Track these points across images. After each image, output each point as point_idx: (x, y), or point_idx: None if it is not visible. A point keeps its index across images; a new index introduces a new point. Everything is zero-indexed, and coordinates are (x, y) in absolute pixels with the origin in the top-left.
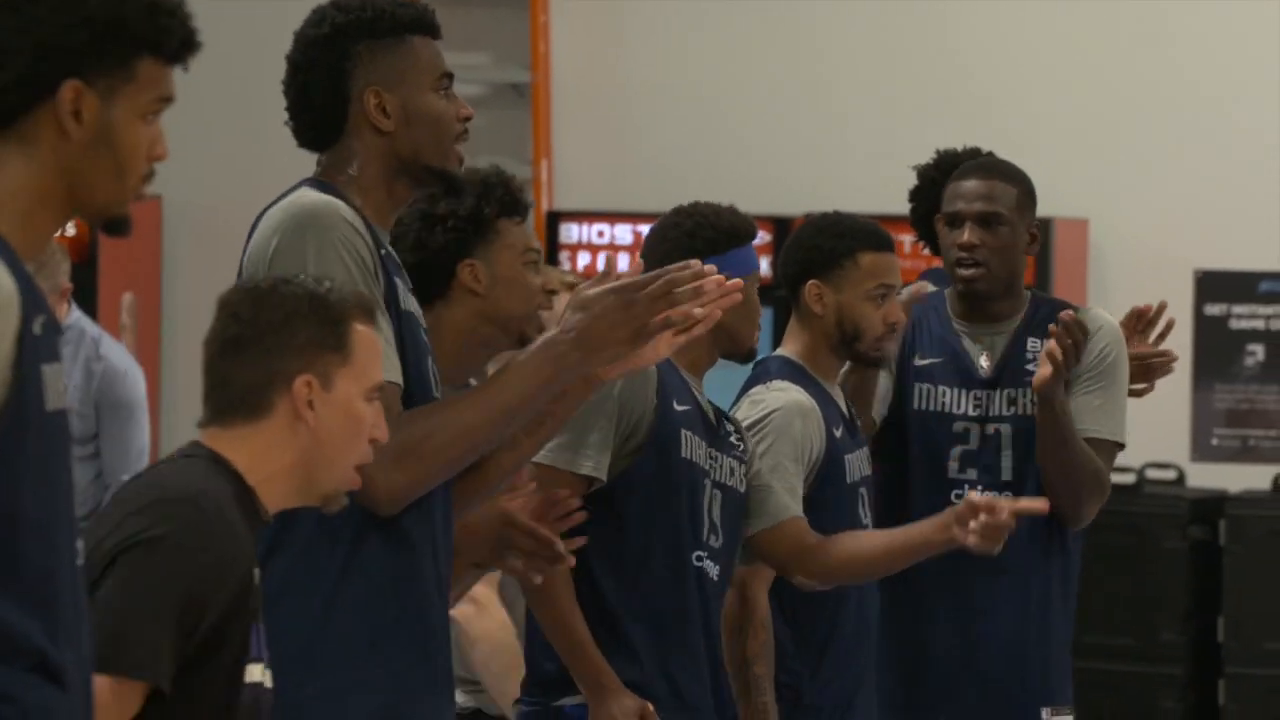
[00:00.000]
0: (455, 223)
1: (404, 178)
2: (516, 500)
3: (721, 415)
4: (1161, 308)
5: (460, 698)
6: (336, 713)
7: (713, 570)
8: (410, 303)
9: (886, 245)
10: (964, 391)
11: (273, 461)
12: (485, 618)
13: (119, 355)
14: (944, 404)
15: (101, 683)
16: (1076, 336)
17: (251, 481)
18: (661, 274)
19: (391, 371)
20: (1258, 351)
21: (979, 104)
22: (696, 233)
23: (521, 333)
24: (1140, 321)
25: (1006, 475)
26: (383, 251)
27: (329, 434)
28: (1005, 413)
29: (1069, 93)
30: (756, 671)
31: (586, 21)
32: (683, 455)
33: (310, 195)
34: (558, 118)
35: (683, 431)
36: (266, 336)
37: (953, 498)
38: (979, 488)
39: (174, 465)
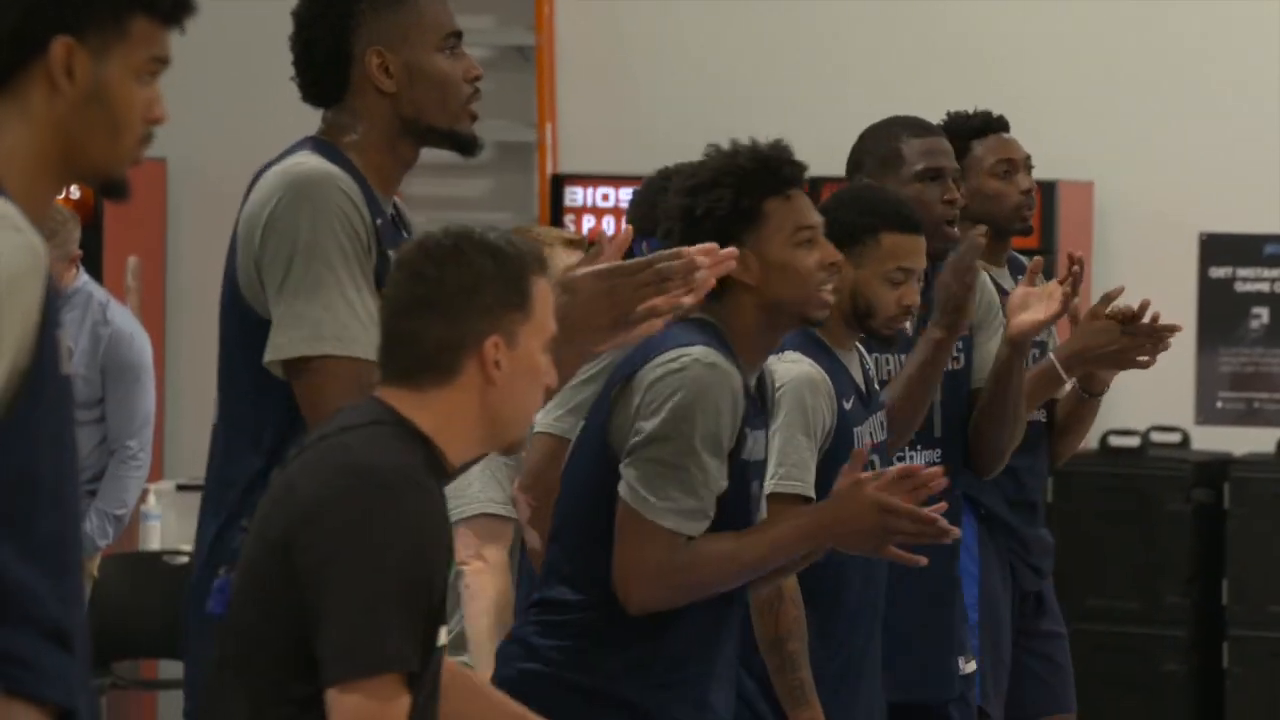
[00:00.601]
0: (715, 223)
1: (408, 138)
2: (875, 483)
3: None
4: (1144, 307)
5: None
6: None
7: None
8: None
9: (912, 228)
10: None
11: (461, 422)
12: (490, 577)
13: (126, 320)
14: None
15: (362, 693)
16: (1079, 279)
17: (439, 442)
18: (651, 261)
19: (371, 348)
20: (1263, 314)
21: (983, 66)
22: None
23: (803, 315)
24: (1131, 324)
25: (937, 432)
26: (379, 221)
27: (514, 389)
28: None
29: (1074, 56)
30: (790, 649)
31: None
32: None
33: (309, 162)
34: (562, 81)
35: None
36: (456, 298)
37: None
38: (918, 447)
39: (364, 435)
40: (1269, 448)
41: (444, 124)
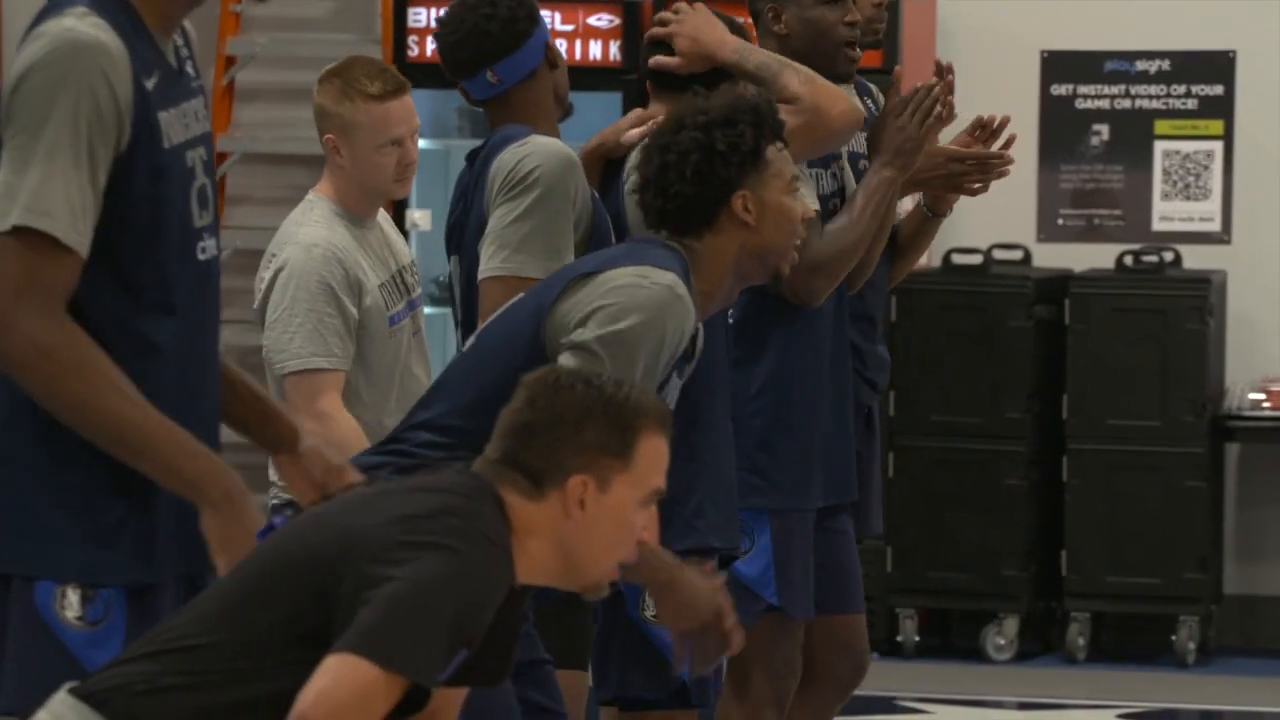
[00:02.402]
0: (737, 157)
1: None
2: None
3: None
4: (1004, 122)
5: None
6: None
7: None
8: (183, 130)
9: None
10: None
11: (534, 540)
12: (334, 427)
13: None
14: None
15: (373, 672)
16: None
17: (514, 547)
18: None
19: (74, 232)
20: (1103, 131)
21: None
22: (515, 17)
23: (778, 265)
24: (984, 132)
25: None
26: (154, 79)
27: (595, 533)
28: None
29: None
30: None
31: None
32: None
33: (79, 27)
34: None
35: (604, 213)
36: (555, 429)
37: None
38: None
39: (471, 497)
40: (1108, 263)
41: None
